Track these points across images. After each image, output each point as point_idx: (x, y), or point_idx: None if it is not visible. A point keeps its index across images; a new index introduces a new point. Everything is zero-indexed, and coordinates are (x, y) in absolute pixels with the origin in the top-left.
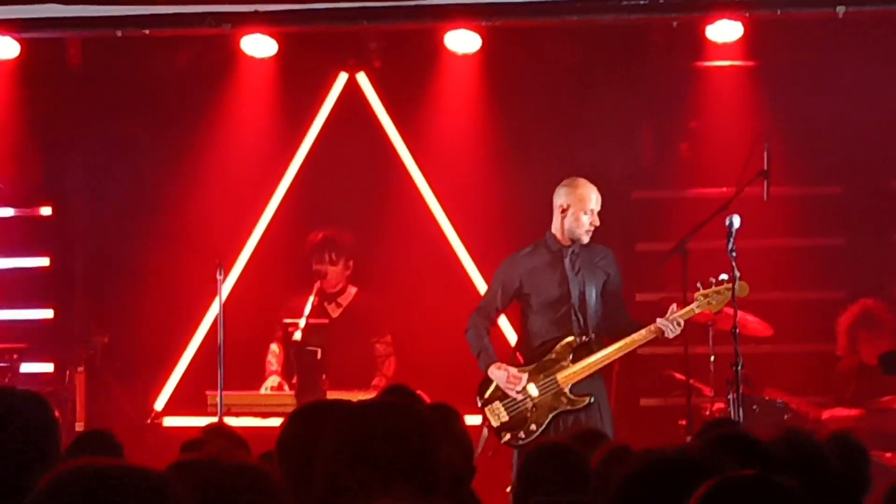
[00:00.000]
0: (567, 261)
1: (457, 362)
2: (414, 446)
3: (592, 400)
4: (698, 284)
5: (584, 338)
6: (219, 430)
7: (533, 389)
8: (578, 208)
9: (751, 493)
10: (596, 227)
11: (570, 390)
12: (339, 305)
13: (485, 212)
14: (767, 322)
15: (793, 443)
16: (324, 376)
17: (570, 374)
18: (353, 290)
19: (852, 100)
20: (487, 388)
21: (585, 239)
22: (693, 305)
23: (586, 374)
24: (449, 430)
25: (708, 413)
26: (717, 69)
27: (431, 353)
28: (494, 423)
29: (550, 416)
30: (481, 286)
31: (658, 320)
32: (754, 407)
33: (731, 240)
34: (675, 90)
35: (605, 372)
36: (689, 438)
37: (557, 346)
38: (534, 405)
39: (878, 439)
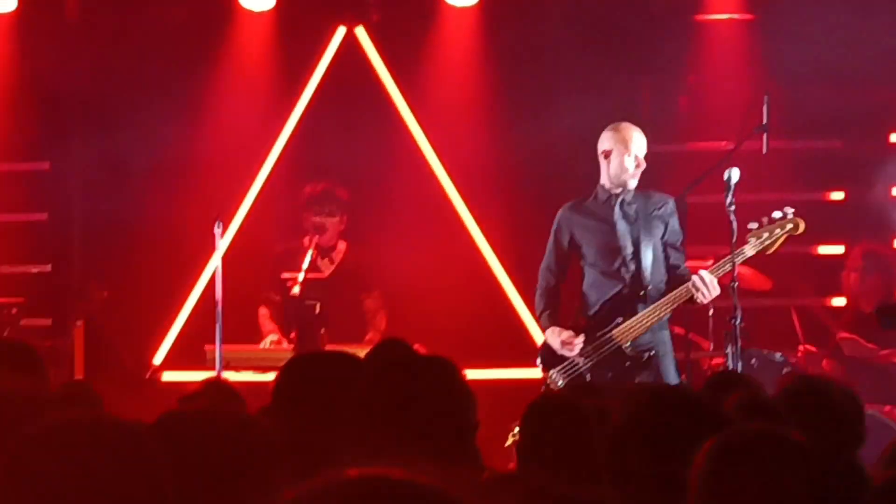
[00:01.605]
0: (617, 209)
1: (454, 317)
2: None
3: (652, 353)
4: (751, 225)
5: (639, 291)
6: (216, 384)
7: (591, 348)
8: (621, 150)
9: (758, 447)
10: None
11: (629, 346)
12: (332, 261)
13: (483, 166)
14: (766, 275)
15: (801, 392)
16: (323, 330)
17: (625, 328)
18: (342, 245)
19: (853, 53)
20: (545, 353)
21: (633, 183)
22: (745, 248)
23: (644, 327)
24: (447, 383)
25: (707, 368)
26: (716, 22)
27: (429, 307)
28: (555, 387)
29: (610, 374)
30: (480, 241)
31: (693, 278)
32: (753, 361)
33: (730, 194)
34: (674, 44)
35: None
36: None
37: (613, 301)
38: (594, 365)
39: (877, 392)
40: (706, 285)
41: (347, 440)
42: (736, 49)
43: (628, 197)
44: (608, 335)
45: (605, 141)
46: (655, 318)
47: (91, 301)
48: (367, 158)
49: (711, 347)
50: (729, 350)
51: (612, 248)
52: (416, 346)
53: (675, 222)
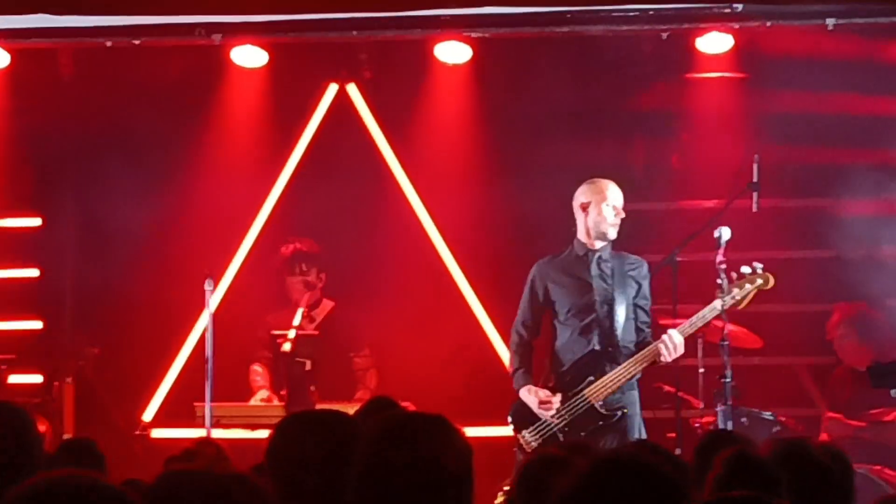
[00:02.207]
0: (594, 266)
1: (443, 374)
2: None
3: (624, 412)
4: (719, 280)
5: (611, 350)
6: (206, 442)
7: (563, 409)
8: (599, 200)
9: None
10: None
11: (602, 405)
12: (312, 320)
13: (474, 223)
14: (756, 334)
15: (790, 457)
16: (313, 388)
17: (598, 387)
18: (328, 304)
19: (842, 112)
20: (517, 412)
21: (612, 233)
22: (715, 303)
23: (615, 386)
24: (444, 441)
25: (697, 426)
26: (707, 80)
27: (418, 365)
28: (529, 448)
29: (583, 433)
30: (470, 298)
31: (663, 337)
32: (743, 419)
33: (721, 252)
34: (666, 101)
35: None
36: (678, 451)
37: (586, 360)
38: (566, 424)
39: (877, 452)
40: (673, 344)
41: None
42: (727, 107)
43: (605, 254)
44: (580, 394)
45: (582, 194)
46: (626, 377)
47: (82, 358)
48: (357, 215)
49: (702, 406)
50: (719, 408)
51: (586, 305)
52: (404, 404)
53: (647, 286)
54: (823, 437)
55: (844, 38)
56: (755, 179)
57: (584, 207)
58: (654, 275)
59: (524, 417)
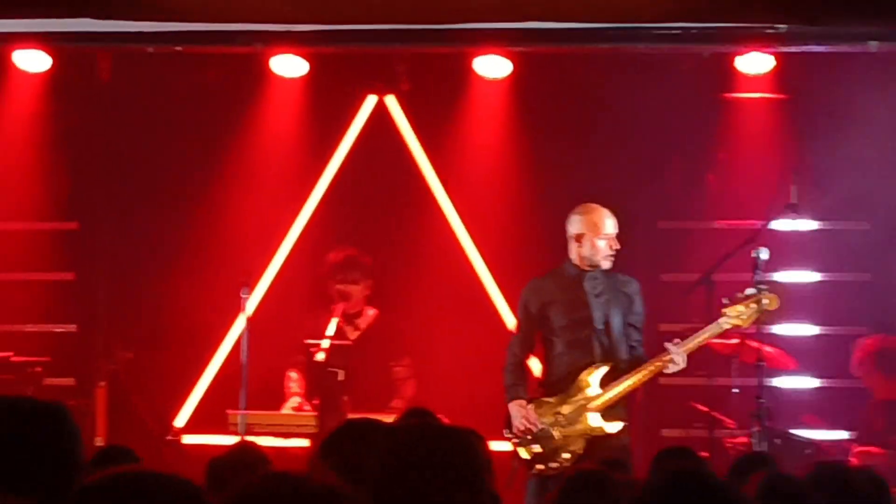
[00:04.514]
0: (587, 283)
1: (477, 386)
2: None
3: (625, 425)
4: (724, 300)
5: (609, 363)
6: (245, 447)
7: (562, 418)
8: (593, 234)
9: None
10: (618, 252)
11: (602, 416)
12: (356, 328)
13: (510, 238)
14: (791, 355)
15: (829, 480)
16: (345, 398)
17: (602, 400)
18: (371, 311)
19: (882, 135)
20: (510, 421)
21: (606, 265)
22: (721, 321)
23: (617, 399)
24: (465, 453)
25: (729, 446)
26: (746, 101)
27: (452, 377)
28: (526, 456)
29: (583, 443)
30: (504, 311)
31: (669, 348)
32: (776, 440)
33: (759, 272)
34: (705, 120)
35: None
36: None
37: (584, 373)
38: (564, 434)
39: None
40: (676, 359)
41: None
42: (766, 128)
43: (597, 273)
44: (581, 405)
45: (575, 224)
46: (627, 390)
47: (115, 362)
48: (393, 226)
49: (735, 426)
50: (754, 429)
51: (582, 319)
52: (439, 416)
53: (639, 303)
54: (854, 461)
55: (887, 61)
56: (793, 201)
57: (578, 238)
58: (689, 294)
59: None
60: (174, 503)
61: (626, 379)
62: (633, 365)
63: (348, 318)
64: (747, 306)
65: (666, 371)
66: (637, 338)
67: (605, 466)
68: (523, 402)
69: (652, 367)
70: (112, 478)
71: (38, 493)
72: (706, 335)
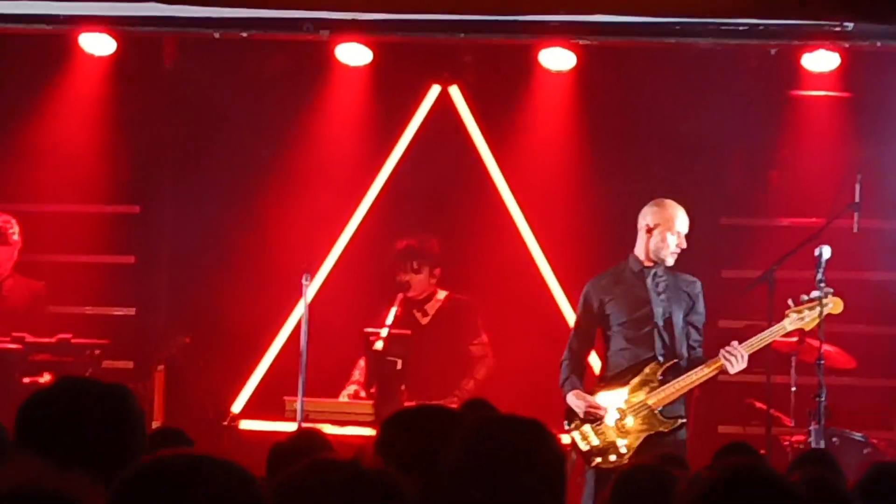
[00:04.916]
0: (650, 280)
1: (535, 379)
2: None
3: (683, 421)
4: (789, 301)
5: (671, 360)
6: (309, 434)
7: (621, 412)
8: (665, 228)
9: None
10: (683, 251)
11: (661, 412)
12: (426, 313)
13: (571, 230)
14: (851, 354)
15: (878, 479)
16: (403, 387)
17: (662, 395)
18: (442, 294)
19: None
20: (574, 415)
21: (671, 261)
22: (785, 322)
23: (677, 395)
24: (536, 444)
25: (787, 444)
26: (811, 98)
27: (509, 369)
28: (584, 448)
29: (642, 437)
30: (563, 302)
31: (721, 352)
32: (834, 439)
33: (821, 271)
34: (768, 117)
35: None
36: None
37: (646, 368)
38: (623, 428)
39: None
40: (738, 358)
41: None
42: (830, 126)
43: (659, 271)
44: (641, 399)
45: (649, 215)
46: (687, 387)
47: (173, 346)
48: (454, 217)
49: (793, 424)
50: (812, 427)
51: (643, 317)
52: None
53: (701, 303)
54: None
55: None
56: (857, 199)
57: (650, 230)
58: (749, 290)
59: (575, 416)
60: (228, 488)
61: (686, 377)
62: (693, 364)
63: (417, 305)
64: (811, 309)
65: (727, 370)
66: (697, 338)
67: (662, 461)
68: (580, 391)
69: (708, 370)
70: (167, 460)
71: (107, 474)
72: (769, 336)
